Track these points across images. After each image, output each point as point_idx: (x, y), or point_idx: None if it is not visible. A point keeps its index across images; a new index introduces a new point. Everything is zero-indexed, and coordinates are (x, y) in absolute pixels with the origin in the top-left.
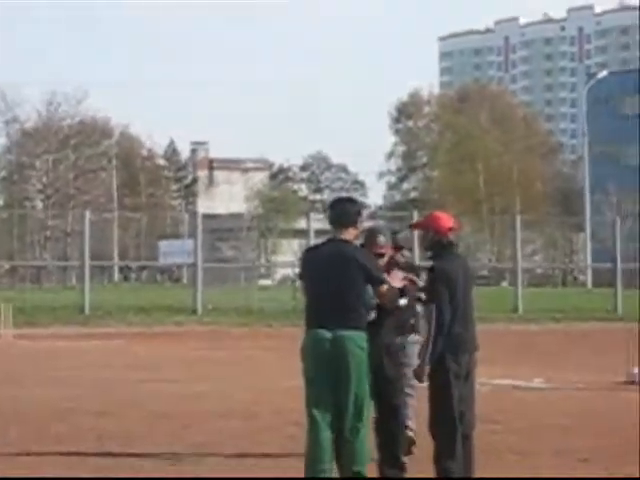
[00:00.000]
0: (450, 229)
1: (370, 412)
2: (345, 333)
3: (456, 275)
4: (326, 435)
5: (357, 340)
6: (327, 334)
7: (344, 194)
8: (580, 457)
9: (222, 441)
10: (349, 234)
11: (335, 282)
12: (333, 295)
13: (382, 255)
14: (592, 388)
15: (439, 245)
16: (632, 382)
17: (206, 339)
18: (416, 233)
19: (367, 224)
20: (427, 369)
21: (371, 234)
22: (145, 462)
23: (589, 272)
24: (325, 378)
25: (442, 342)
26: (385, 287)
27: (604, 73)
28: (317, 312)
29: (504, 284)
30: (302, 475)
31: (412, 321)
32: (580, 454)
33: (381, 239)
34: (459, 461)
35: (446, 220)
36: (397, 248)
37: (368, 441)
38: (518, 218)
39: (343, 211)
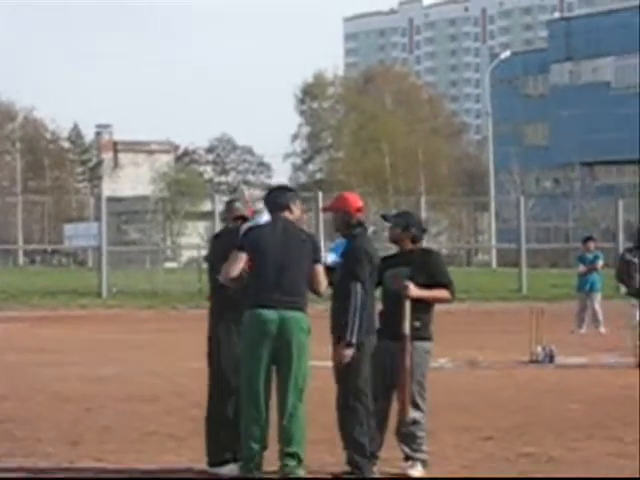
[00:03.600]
0: (359, 209)
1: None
2: (291, 314)
3: (375, 255)
4: (265, 414)
5: (301, 322)
6: (273, 314)
7: (250, 176)
8: (483, 435)
9: (125, 424)
10: (292, 216)
11: (287, 262)
12: (283, 275)
13: (241, 218)
14: (496, 367)
15: (349, 225)
16: (536, 361)
17: (111, 322)
18: (322, 217)
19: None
20: (352, 350)
21: (229, 203)
22: (47, 446)
23: (493, 252)
24: (266, 357)
25: (364, 321)
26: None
27: (507, 53)
28: (264, 291)
29: None
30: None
31: None
32: (484, 432)
33: (237, 205)
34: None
35: (354, 200)
36: None
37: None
38: (422, 198)
39: (280, 196)
